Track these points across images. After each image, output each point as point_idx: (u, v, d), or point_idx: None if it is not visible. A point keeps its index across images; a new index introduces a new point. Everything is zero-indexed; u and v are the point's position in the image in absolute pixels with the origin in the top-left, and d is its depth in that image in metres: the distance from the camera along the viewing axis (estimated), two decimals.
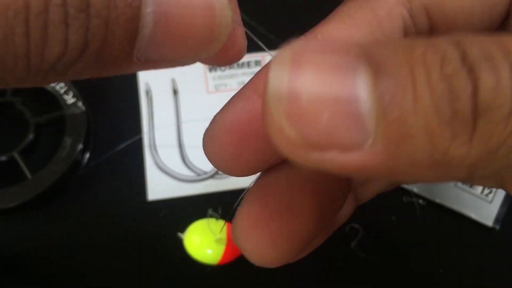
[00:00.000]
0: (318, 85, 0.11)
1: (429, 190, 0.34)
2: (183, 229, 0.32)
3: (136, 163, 0.36)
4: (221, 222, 0.33)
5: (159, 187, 0.35)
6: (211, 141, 0.16)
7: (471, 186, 0.35)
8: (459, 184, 0.34)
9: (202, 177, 0.35)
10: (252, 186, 0.16)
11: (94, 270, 0.33)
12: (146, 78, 0.37)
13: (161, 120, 0.36)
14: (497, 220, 0.34)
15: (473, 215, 0.34)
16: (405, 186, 0.34)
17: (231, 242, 0.32)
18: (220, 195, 0.35)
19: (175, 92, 0.37)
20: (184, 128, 0.36)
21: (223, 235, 0.32)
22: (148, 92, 0.37)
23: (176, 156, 0.35)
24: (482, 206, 0.34)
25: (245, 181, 0.18)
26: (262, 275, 0.33)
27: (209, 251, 0.32)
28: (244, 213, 0.16)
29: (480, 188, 0.34)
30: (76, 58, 0.13)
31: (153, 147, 0.35)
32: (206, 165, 0.35)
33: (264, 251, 0.16)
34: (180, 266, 0.33)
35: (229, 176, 0.19)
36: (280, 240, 0.16)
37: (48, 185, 0.34)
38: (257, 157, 0.16)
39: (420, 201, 0.35)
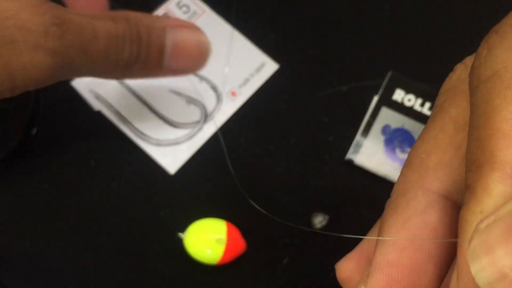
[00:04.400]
0: None
1: None
2: (183, 229, 0.32)
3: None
4: (221, 222, 0.33)
5: (171, 157, 0.35)
6: None
7: None
8: None
9: (197, 126, 0.35)
10: (380, 262, 0.18)
11: (93, 270, 0.33)
12: None
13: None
14: None
15: None
16: None
17: (231, 242, 0.32)
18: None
19: None
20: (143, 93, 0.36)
21: (223, 235, 0.32)
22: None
23: (157, 125, 0.35)
24: None
25: None
26: (262, 275, 0.33)
27: (209, 251, 0.32)
28: None
29: None
30: (134, 63, 0.28)
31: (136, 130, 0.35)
32: (188, 116, 0.35)
33: None
34: (180, 266, 0.33)
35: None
36: None
37: None
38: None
39: None
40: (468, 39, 0.38)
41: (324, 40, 0.38)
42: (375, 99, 0.36)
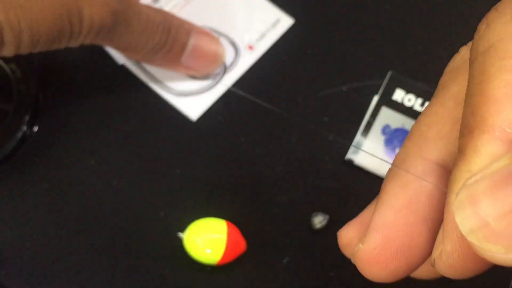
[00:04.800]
0: (496, 206, 0.14)
1: None
2: (183, 229, 0.32)
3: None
4: (221, 222, 0.33)
5: (192, 105, 0.37)
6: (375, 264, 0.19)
7: None
8: None
9: (217, 78, 0.37)
10: (377, 223, 0.19)
11: (93, 270, 0.33)
12: None
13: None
14: None
15: None
16: None
17: (231, 242, 0.32)
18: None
19: None
20: None
21: (223, 235, 0.32)
22: None
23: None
24: None
25: None
26: (262, 275, 0.33)
27: (209, 251, 0.32)
28: (368, 251, 0.19)
29: None
30: (160, 50, 0.33)
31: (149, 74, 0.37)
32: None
33: (381, 278, 0.19)
34: (180, 266, 0.33)
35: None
36: (397, 273, 0.19)
37: None
38: (408, 268, 0.19)
39: None
40: (469, 39, 0.38)
41: (324, 40, 0.38)
42: (375, 99, 0.36)
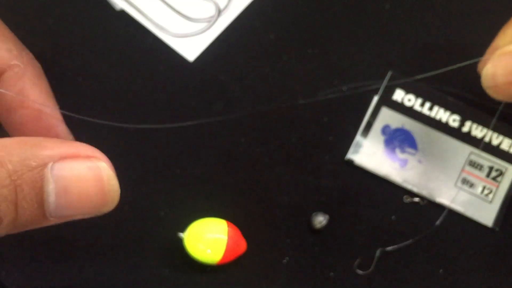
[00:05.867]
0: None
1: (429, 190, 0.34)
2: (183, 229, 0.32)
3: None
4: (221, 222, 0.33)
5: (189, 46, 0.38)
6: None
7: (471, 186, 0.35)
8: (459, 183, 0.35)
9: (212, 20, 0.38)
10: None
11: (93, 270, 0.33)
12: None
13: None
14: (497, 220, 0.34)
15: (473, 215, 0.34)
16: (405, 185, 0.35)
17: (231, 242, 0.32)
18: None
19: None
20: None
21: (224, 235, 0.32)
22: None
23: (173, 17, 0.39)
24: (482, 206, 0.34)
25: None
26: (262, 275, 0.33)
27: (209, 251, 0.32)
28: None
29: (480, 188, 0.35)
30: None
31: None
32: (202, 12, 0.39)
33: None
34: (180, 266, 0.33)
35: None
36: None
37: None
38: None
39: (418, 199, 0.35)
40: (468, 39, 0.38)
41: (324, 40, 0.38)
42: (375, 99, 0.36)
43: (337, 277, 0.33)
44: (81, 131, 0.37)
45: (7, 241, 0.34)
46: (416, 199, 0.35)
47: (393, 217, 0.34)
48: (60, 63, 0.38)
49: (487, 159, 0.35)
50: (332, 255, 0.34)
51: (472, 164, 0.35)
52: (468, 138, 0.35)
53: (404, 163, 0.35)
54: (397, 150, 0.35)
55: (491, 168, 0.35)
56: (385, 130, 0.35)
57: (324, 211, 0.34)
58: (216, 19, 0.39)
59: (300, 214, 0.34)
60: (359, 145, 0.35)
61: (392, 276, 0.34)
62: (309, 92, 0.37)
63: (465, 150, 0.35)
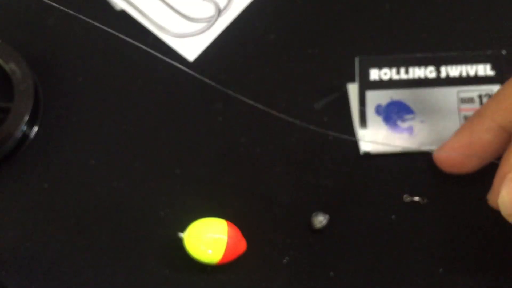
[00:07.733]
0: None
1: (444, 141, 0.34)
2: (183, 229, 0.32)
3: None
4: (221, 222, 0.33)
5: (189, 46, 0.38)
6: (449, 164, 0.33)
7: None
8: (463, 122, 0.35)
9: (212, 20, 0.39)
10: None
11: (93, 270, 0.33)
12: None
13: None
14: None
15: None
16: (424, 149, 0.35)
17: (231, 242, 0.32)
18: None
19: None
20: None
21: (224, 235, 0.32)
22: None
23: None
24: None
25: None
26: (262, 275, 0.33)
27: (209, 251, 0.32)
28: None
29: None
30: None
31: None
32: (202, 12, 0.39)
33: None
34: (180, 266, 0.33)
35: None
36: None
37: None
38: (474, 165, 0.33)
39: (418, 198, 0.35)
40: (467, 38, 0.38)
41: (324, 40, 0.38)
42: (350, 87, 0.37)
43: (337, 277, 0.33)
44: (81, 131, 0.37)
45: (7, 241, 0.34)
46: (416, 198, 0.35)
47: (393, 216, 0.34)
48: (60, 64, 0.38)
49: (473, 91, 0.36)
50: (332, 255, 0.34)
51: (464, 100, 0.36)
52: (449, 81, 0.36)
53: (410, 130, 0.36)
54: (398, 122, 0.36)
55: (480, 96, 0.36)
56: (378, 110, 0.36)
57: (324, 211, 0.34)
58: (216, 19, 0.39)
59: (300, 214, 0.34)
60: (364, 136, 0.35)
61: (392, 275, 0.33)
62: (309, 92, 0.37)
63: (452, 92, 0.36)
